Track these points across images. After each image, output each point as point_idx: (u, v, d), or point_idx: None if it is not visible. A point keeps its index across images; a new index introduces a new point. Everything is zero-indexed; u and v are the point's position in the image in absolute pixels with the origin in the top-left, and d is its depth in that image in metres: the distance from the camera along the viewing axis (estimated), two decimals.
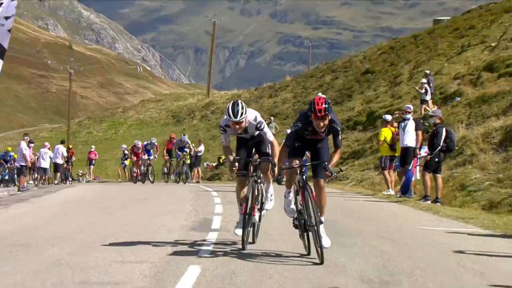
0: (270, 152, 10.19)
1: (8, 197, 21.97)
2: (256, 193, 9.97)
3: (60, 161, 33.61)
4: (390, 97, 42.77)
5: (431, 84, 31.47)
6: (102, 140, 67.28)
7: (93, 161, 43.52)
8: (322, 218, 9.41)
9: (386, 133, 20.87)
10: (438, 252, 9.66)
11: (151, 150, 34.52)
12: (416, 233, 11.89)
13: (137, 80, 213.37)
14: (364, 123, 38.84)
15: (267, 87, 75.97)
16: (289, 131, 11.75)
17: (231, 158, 10.01)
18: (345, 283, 7.50)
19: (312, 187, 9.38)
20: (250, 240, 10.02)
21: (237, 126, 9.87)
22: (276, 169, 9.86)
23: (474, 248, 9.90)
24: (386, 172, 21.01)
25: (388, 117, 21.83)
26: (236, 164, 9.91)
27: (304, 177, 9.53)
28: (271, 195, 10.36)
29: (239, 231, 9.67)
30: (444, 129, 17.64)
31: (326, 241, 9.15)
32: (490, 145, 20.67)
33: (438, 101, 32.03)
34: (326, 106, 9.12)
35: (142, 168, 34.01)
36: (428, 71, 35.32)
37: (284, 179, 9.83)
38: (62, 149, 34.44)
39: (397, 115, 21.55)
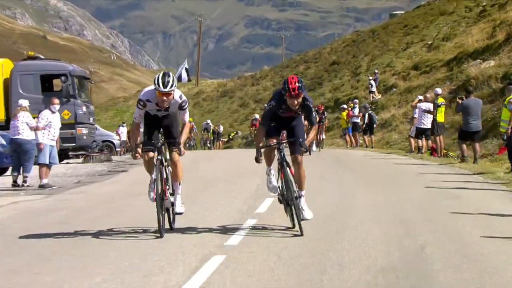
0: (179, 131, 9.99)
1: None
2: (165, 176, 9.65)
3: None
4: (351, 87, 55.21)
5: (377, 80, 46.01)
6: (110, 126, 79.84)
7: None
8: (303, 193, 9.80)
9: (344, 115, 36.01)
10: (358, 156, 25.84)
11: None
12: (353, 155, 27.26)
13: (111, 68, 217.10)
14: (332, 107, 51.21)
15: (249, 76, 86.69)
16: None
17: (137, 141, 9.87)
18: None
19: (291, 164, 9.74)
20: (167, 226, 9.78)
21: (165, 98, 9.43)
22: (182, 148, 9.74)
23: (373, 155, 26.17)
24: (346, 136, 36.19)
25: (345, 106, 37.17)
26: (139, 150, 9.66)
27: (282, 154, 9.70)
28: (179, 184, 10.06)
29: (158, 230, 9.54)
30: (367, 113, 33.13)
31: (308, 214, 9.73)
32: (406, 119, 35.68)
33: (382, 91, 46.39)
34: (299, 85, 9.31)
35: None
36: (376, 71, 49.49)
37: (262, 157, 9.79)
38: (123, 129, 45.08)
39: (350, 104, 36.92)
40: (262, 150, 9.72)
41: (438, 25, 62.41)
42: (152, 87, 9.50)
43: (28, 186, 17.67)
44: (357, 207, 12.30)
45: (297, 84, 9.25)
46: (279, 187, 9.88)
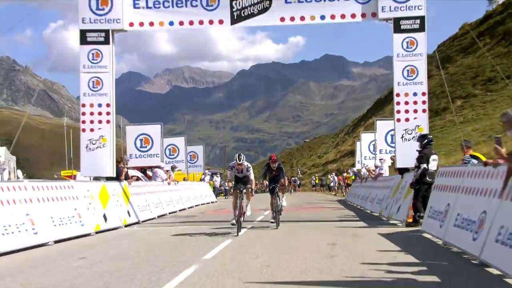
0: (250, 183, 9.14)
1: None
2: (242, 205, 8.88)
3: None
4: (290, 173, 65.27)
5: (300, 170, 62.60)
6: None
7: None
8: (284, 196, 10.02)
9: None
10: (299, 194, 43.21)
11: None
12: (299, 194, 44.67)
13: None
14: None
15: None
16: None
17: (232, 185, 9.17)
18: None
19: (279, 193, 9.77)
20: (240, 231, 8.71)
21: (240, 167, 9.01)
22: (252, 192, 9.21)
23: (301, 193, 44.15)
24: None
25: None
26: (232, 190, 9.07)
27: (276, 193, 9.66)
28: (249, 208, 9.41)
29: (234, 223, 8.71)
30: (299, 181, 52.53)
31: (285, 203, 10.05)
32: (310, 183, 55.06)
33: (302, 174, 64.45)
34: (276, 158, 9.92)
35: None
36: (300, 167, 65.85)
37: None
38: None
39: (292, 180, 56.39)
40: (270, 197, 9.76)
41: (322, 148, 74.85)
42: (234, 162, 9.15)
43: None
44: (302, 202, 29.64)
45: (275, 157, 10.04)
46: (275, 205, 9.66)
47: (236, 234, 8.41)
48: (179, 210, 16.73)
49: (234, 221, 8.72)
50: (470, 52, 47.37)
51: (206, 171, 26.73)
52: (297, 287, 4.51)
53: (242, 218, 8.90)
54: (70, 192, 9.41)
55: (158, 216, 13.81)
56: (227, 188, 32.85)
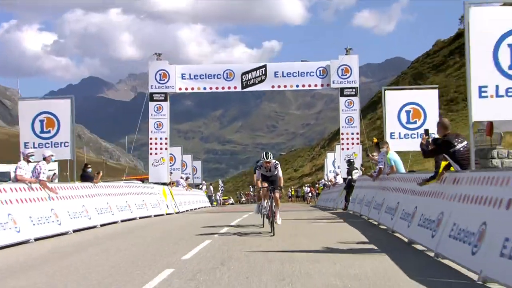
0: (278, 181, 9.58)
1: None
2: (270, 204, 9.31)
3: None
4: None
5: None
6: None
7: None
8: (277, 209, 9.66)
9: None
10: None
11: None
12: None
13: None
14: None
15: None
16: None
17: (260, 184, 9.51)
18: None
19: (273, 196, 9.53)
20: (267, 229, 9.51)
21: (268, 164, 9.36)
22: (282, 190, 9.61)
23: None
24: None
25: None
26: (262, 188, 9.42)
27: (271, 192, 9.50)
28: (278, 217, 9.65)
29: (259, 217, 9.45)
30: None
31: (279, 221, 9.75)
32: (286, 197, 63.84)
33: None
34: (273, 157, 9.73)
35: None
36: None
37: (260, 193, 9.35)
38: None
39: None
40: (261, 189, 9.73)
41: (298, 161, 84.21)
42: (262, 160, 9.53)
43: None
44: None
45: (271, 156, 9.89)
46: (265, 207, 9.67)
47: (262, 226, 10.47)
48: (194, 209, 25.20)
49: (259, 211, 10.12)
50: (441, 70, 55.44)
51: (203, 181, 35.25)
52: (287, 222, 13.19)
53: (272, 219, 9.29)
54: (153, 190, 18.01)
55: (186, 210, 22.32)
56: (213, 198, 39.97)
